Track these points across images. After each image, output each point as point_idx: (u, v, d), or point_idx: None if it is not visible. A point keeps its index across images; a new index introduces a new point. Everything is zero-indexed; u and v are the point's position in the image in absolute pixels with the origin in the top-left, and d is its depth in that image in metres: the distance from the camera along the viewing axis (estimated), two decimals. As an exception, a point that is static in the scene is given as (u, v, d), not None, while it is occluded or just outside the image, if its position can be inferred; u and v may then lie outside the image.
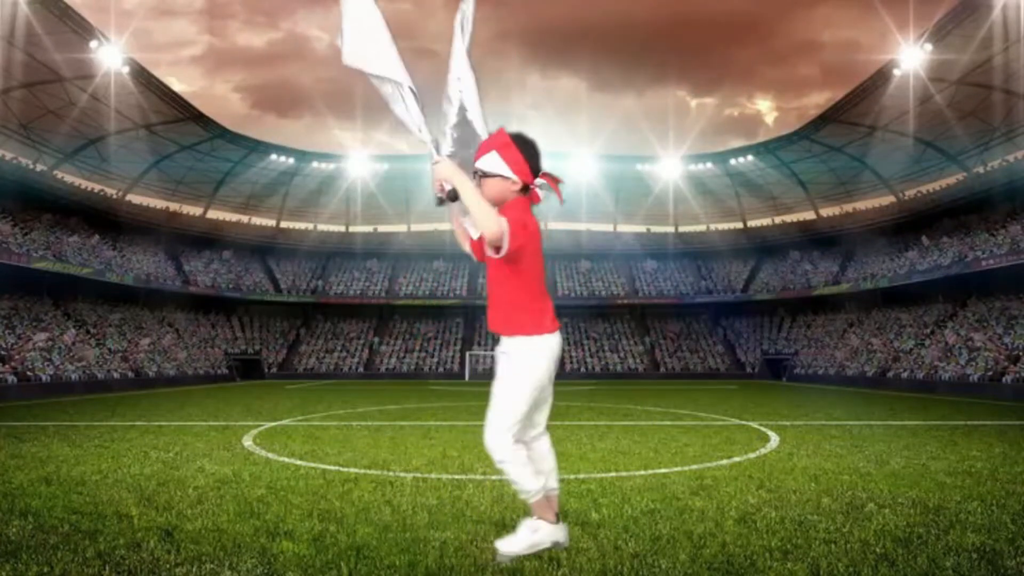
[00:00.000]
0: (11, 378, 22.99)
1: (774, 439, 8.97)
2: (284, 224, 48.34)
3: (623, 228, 50.49)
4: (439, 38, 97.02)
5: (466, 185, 2.99)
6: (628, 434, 9.59)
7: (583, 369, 41.76)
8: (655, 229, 50.30)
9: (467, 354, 41.86)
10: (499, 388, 3.13)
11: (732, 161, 42.75)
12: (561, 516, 4.25)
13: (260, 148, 40.66)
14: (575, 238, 49.18)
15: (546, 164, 3.19)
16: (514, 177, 3.10)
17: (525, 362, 3.10)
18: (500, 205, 3.15)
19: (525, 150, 3.12)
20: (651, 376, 40.65)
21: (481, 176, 3.12)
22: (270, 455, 7.37)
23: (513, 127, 3.17)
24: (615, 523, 4.10)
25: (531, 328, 3.11)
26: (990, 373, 25.00)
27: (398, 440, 8.84)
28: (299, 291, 45.62)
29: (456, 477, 5.86)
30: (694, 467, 6.49)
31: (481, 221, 2.95)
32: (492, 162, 3.10)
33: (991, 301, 30.66)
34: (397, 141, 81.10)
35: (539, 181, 3.15)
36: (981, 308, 30.81)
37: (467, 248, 3.38)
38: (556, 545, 3.27)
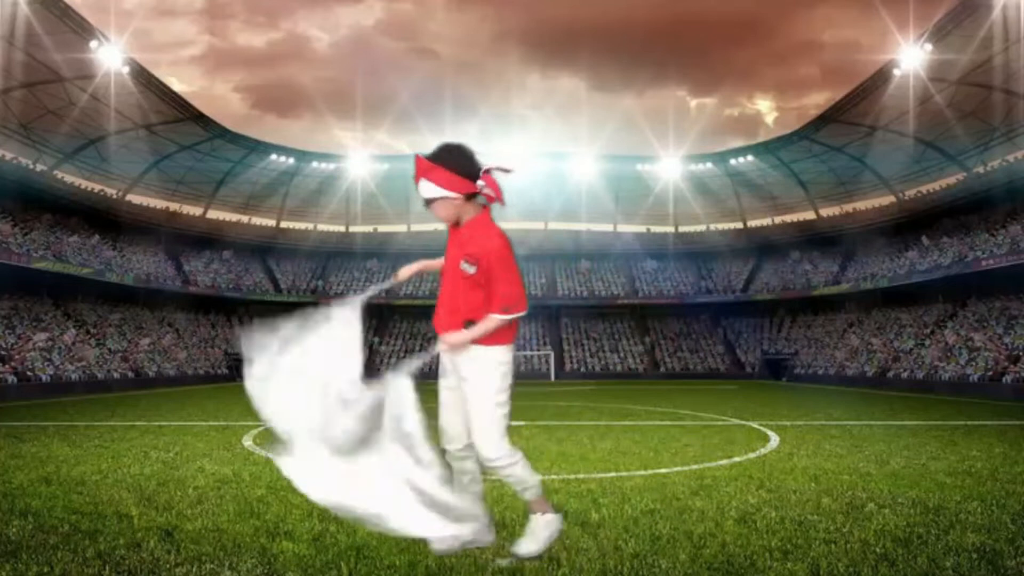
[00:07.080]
0: (11, 378, 23.00)
1: (774, 439, 8.96)
2: (284, 224, 48.33)
3: (623, 228, 50.45)
4: (439, 38, 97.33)
5: (470, 335, 3.29)
6: (628, 434, 9.59)
7: (583, 369, 41.77)
8: (655, 229, 50.26)
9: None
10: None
11: (732, 161, 42.76)
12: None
13: (260, 148, 40.68)
14: (575, 238, 49.17)
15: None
16: (452, 194, 3.09)
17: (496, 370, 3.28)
18: (460, 221, 3.20)
19: (450, 163, 3.07)
20: (651, 376, 40.64)
21: (429, 204, 3.16)
22: (270, 455, 7.36)
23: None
24: (615, 523, 4.09)
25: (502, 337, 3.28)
26: (990, 373, 25.00)
27: (398, 440, 8.81)
28: (299, 291, 45.60)
29: (456, 477, 5.83)
30: (694, 467, 6.49)
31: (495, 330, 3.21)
32: (427, 189, 3.11)
33: (991, 301, 30.64)
34: (397, 141, 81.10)
35: (480, 183, 3.10)
36: (981, 308, 30.80)
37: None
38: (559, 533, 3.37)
